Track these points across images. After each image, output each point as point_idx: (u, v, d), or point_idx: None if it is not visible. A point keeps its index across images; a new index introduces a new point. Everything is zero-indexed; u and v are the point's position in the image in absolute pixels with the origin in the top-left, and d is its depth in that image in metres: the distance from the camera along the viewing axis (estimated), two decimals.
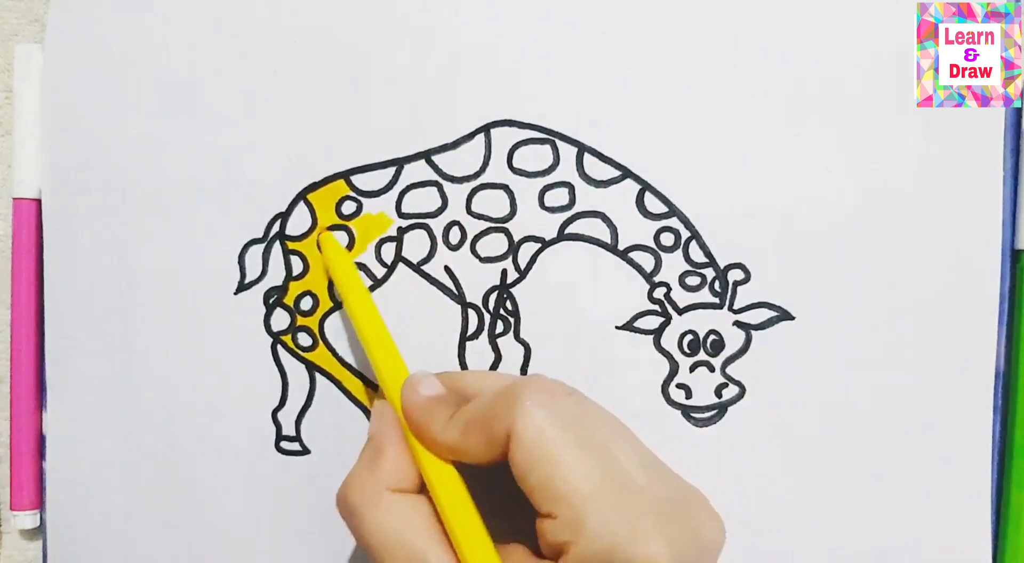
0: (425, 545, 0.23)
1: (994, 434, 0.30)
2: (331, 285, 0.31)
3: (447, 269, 0.31)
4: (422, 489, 0.25)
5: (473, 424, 0.24)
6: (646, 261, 0.30)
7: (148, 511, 0.32)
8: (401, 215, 0.31)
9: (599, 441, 0.23)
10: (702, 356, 0.30)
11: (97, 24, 0.32)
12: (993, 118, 0.30)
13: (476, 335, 0.31)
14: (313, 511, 0.31)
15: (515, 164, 0.31)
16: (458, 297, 0.31)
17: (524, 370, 0.31)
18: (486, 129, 0.31)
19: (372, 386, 0.31)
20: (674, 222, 0.30)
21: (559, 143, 0.31)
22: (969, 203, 0.30)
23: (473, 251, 0.31)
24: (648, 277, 0.31)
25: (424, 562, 0.23)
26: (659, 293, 0.30)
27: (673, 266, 0.30)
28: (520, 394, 0.23)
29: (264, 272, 0.31)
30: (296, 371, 0.31)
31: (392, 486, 0.24)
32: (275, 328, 0.31)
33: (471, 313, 0.31)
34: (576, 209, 0.31)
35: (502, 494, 0.24)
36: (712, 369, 0.30)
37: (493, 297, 0.31)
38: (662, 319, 0.30)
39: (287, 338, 0.31)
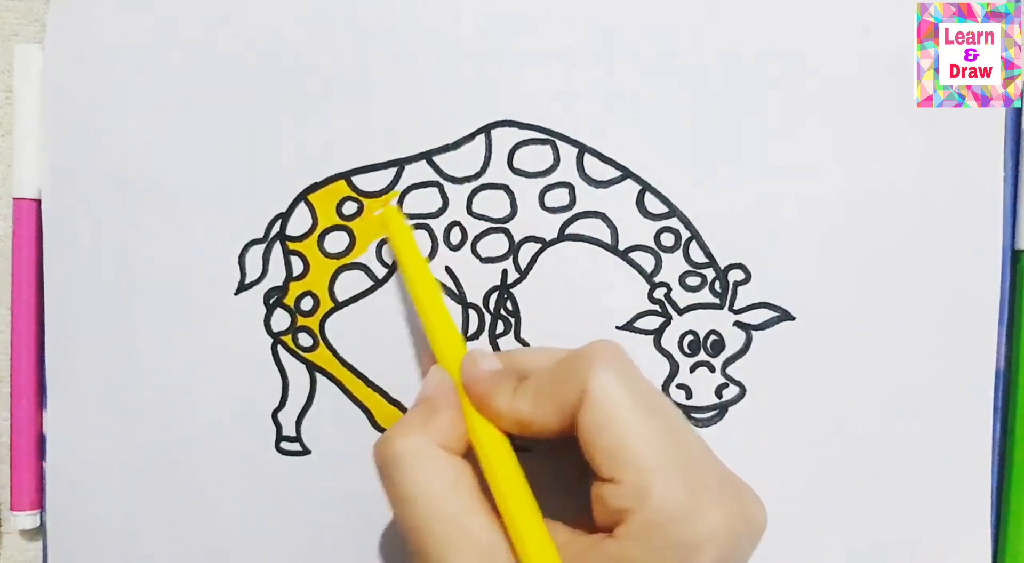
0: (467, 510, 0.23)
1: (994, 434, 0.30)
2: (331, 285, 0.31)
3: (448, 269, 0.31)
4: (467, 456, 0.25)
5: (543, 391, 0.24)
6: (646, 261, 0.31)
7: (148, 511, 0.32)
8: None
9: (666, 411, 0.23)
10: (702, 356, 0.30)
11: (97, 24, 0.32)
12: (993, 118, 0.30)
13: (477, 335, 0.31)
14: (313, 511, 0.31)
15: (515, 164, 0.31)
16: (459, 297, 0.31)
17: None
18: (487, 130, 0.31)
19: (372, 386, 0.31)
20: (674, 222, 0.31)
21: (559, 143, 0.31)
22: (969, 203, 0.30)
23: (474, 251, 0.31)
24: (648, 277, 0.31)
25: (463, 526, 0.22)
26: (659, 293, 0.30)
27: (673, 266, 0.30)
28: (593, 357, 0.23)
29: (264, 272, 0.31)
30: (296, 371, 0.31)
31: (443, 445, 0.24)
32: (275, 328, 0.31)
33: (472, 313, 0.31)
34: (576, 209, 0.31)
35: (548, 474, 0.24)
36: (712, 369, 0.30)
37: (494, 297, 0.31)
38: (662, 319, 0.30)
39: (287, 338, 0.31)
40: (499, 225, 0.31)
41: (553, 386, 0.23)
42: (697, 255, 0.30)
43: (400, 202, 0.31)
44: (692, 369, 0.30)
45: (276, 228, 0.31)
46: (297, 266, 0.31)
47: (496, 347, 0.31)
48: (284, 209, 0.31)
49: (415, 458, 0.23)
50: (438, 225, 0.31)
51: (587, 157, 0.31)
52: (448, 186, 0.31)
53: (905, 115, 0.30)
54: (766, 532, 0.30)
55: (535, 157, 0.31)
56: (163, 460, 0.32)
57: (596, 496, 0.23)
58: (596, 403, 0.22)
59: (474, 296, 0.31)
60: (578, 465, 0.23)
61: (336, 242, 0.31)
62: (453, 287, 0.31)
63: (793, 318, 0.30)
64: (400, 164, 0.31)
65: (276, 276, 0.31)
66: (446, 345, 0.27)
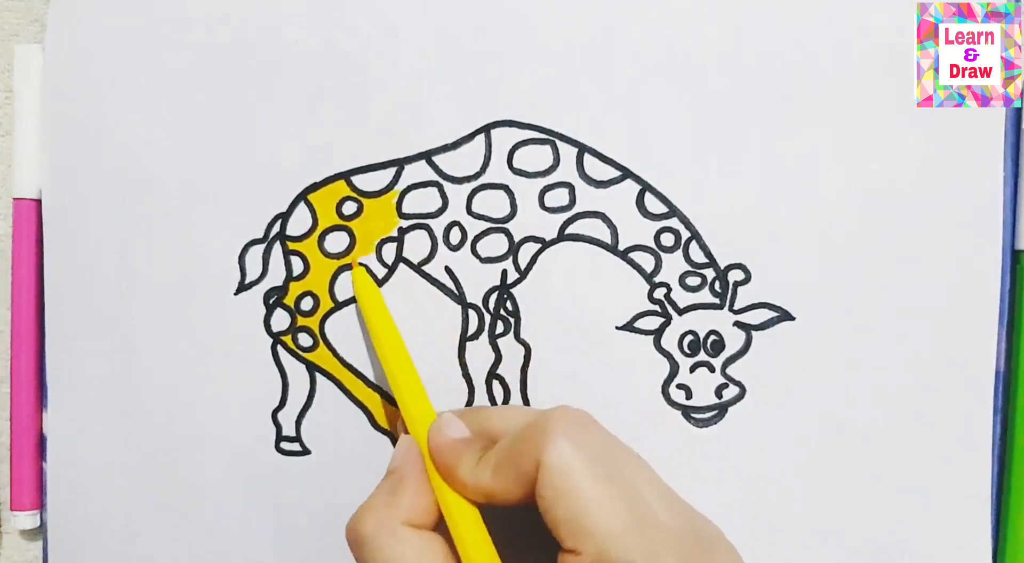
0: None
1: (994, 434, 0.30)
2: (331, 285, 0.31)
3: (448, 269, 0.31)
4: (437, 528, 0.25)
5: (503, 462, 0.23)
6: (646, 261, 0.31)
7: (148, 511, 0.32)
8: (402, 215, 0.31)
9: (625, 476, 0.23)
10: (702, 356, 0.30)
11: (97, 24, 0.32)
12: (993, 118, 0.30)
13: (476, 335, 0.31)
14: (313, 511, 0.31)
15: (515, 164, 0.31)
16: (458, 297, 0.31)
17: (524, 370, 0.31)
18: (486, 129, 0.31)
19: (372, 386, 0.31)
20: (674, 222, 0.30)
21: (559, 143, 0.31)
22: (969, 203, 0.30)
23: (474, 251, 0.31)
24: (648, 277, 0.31)
25: None
26: (659, 293, 0.30)
27: (673, 266, 0.30)
28: (547, 426, 0.23)
29: (264, 272, 0.31)
30: (296, 371, 0.31)
31: (409, 520, 0.24)
32: (275, 328, 0.31)
33: (471, 313, 0.31)
34: (576, 209, 0.31)
35: (517, 536, 0.24)
36: (712, 369, 0.30)
37: (493, 297, 0.31)
38: (662, 319, 0.30)
39: (287, 338, 0.31)
40: (499, 225, 0.31)
41: (512, 457, 0.23)
42: (697, 255, 0.30)
43: (400, 202, 0.31)
44: (692, 369, 0.30)
45: (276, 228, 0.31)
46: (297, 266, 0.31)
47: (496, 347, 0.31)
48: (284, 209, 0.31)
49: (381, 539, 0.23)
50: (438, 225, 0.31)
51: (587, 157, 0.31)
52: (448, 186, 0.31)
53: (905, 115, 0.30)
54: (766, 532, 0.30)
55: (535, 157, 0.31)
56: (163, 460, 0.32)
57: None
58: (551, 475, 0.22)
59: (474, 296, 0.31)
60: (548, 533, 0.23)
61: (336, 242, 0.31)
62: (453, 287, 0.31)
63: (793, 318, 0.30)
64: (400, 164, 0.31)
65: (276, 276, 0.31)
66: (416, 411, 0.26)
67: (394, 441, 0.31)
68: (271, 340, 0.31)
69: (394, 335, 0.29)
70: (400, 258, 0.31)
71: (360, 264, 0.31)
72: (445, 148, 0.31)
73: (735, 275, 0.30)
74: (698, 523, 0.23)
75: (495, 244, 0.31)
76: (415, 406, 0.27)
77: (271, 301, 0.31)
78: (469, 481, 0.24)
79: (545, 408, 0.25)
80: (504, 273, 0.31)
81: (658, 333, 0.30)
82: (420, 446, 0.26)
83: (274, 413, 0.31)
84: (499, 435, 0.25)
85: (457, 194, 0.31)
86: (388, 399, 0.31)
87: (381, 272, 0.31)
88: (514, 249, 0.31)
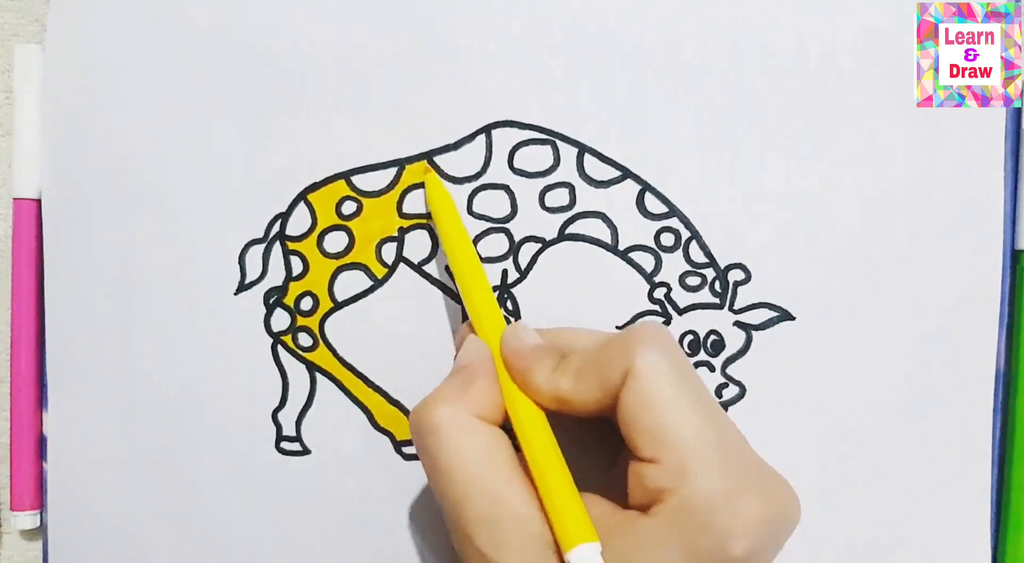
0: (503, 481, 0.23)
1: (994, 434, 0.30)
2: (331, 285, 0.31)
3: (448, 269, 0.31)
4: (503, 427, 0.25)
5: (586, 368, 0.24)
6: (646, 261, 0.31)
7: (148, 511, 0.32)
8: (402, 215, 0.31)
9: (708, 396, 0.23)
10: (702, 356, 0.30)
11: (97, 24, 0.32)
12: (993, 118, 0.30)
13: None
14: (313, 511, 0.31)
15: (516, 164, 0.31)
16: (458, 297, 0.31)
17: None
18: (487, 130, 0.31)
19: (372, 386, 0.31)
20: (674, 222, 0.31)
21: (560, 143, 0.31)
22: (969, 203, 0.30)
23: None
24: (648, 277, 0.31)
25: (499, 497, 0.22)
26: (659, 293, 0.31)
27: (673, 266, 0.30)
28: (640, 337, 0.23)
29: (264, 272, 0.31)
30: (296, 371, 0.31)
31: (480, 414, 0.24)
32: (275, 328, 0.31)
33: None
34: (576, 209, 0.31)
35: (577, 444, 0.24)
36: (712, 369, 0.30)
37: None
38: (662, 319, 0.30)
39: (287, 338, 0.31)
40: (499, 225, 0.31)
41: (596, 364, 0.23)
42: (697, 255, 0.30)
43: (400, 202, 0.31)
44: None
45: (276, 228, 0.31)
46: (297, 266, 0.31)
47: None
48: (284, 209, 0.31)
49: (452, 428, 0.23)
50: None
51: (587, 157, 0.31)
52: (448, 186, 0.31)
53: (905, 115, 0.30)
54: None
55: (535, 157, 0.31)
56: (163, 460, 0.32)
57: (633, 474, 0.22)
58: (640, 382, 0.22)
59: None
60: (608, 444, 0.23)
61: (335, 242, 0.31)
62: (453, 287, 0.31)
63: (793, 318, 0.30)
64: (400, 164, 0.31)
65: (276, 276, 0.31)
66: (486, 316, 0.27)
67: (394, 441, 0.31)
68: (271, 340, 0.31)
69: (465, 241, 0.29)
70: (400, 258, 0.31)
71: (431, 171, 0.31)
72: (445, 148, 0.31)
73: (735, 275, 0.30)
74: (762, 460, 0.24)
75: (495, 244, 0.31)
76: (486, 311, 0.27)
77: (271, 301, 0.31)
78: (545, 386, 0.24)
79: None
80: (504, 273, 0.31)
81: None
82: (491, 349, 0.26)
83: (274, 413, 0.31)
84: (569, 349, 0.25)
85: (458, 194, 0.31)
86: (388, 399, 0.31)
87: (381, 272, 0.31)
88: (514, 249, 0.31)
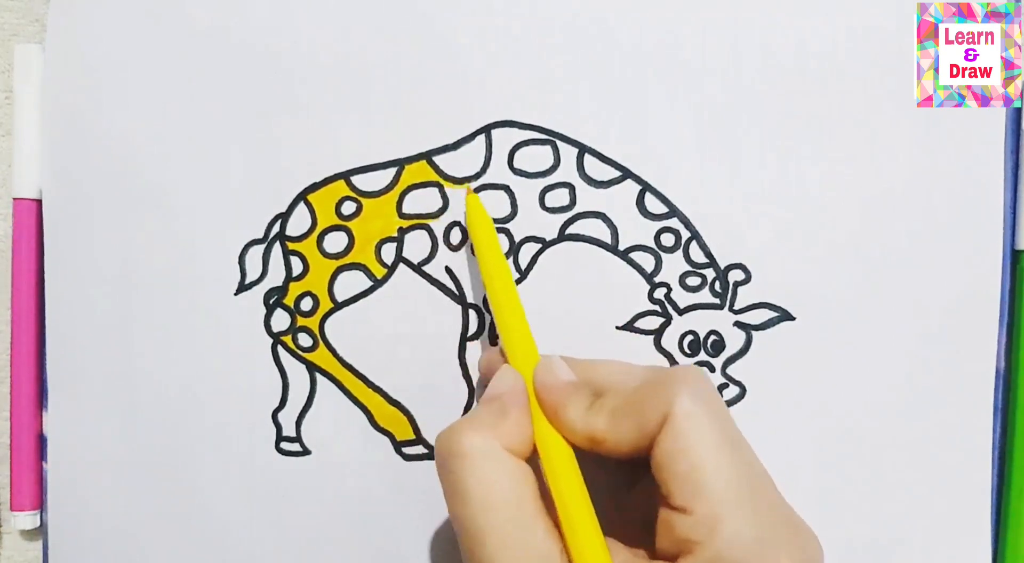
0: (527, 517, 0.22)
1: (994, 434, 0.30)
2: (331, 285, 0.31)
3: (448, 270, 0.31)
4: (530, 462, 0.24)
5: (623, 410, 0.23)
6: (647, 261, 0.31)
7: (148, 511, 0.32)
8: (402, 216, 0.31)
9: (744, 445, 0.23)
10: (702, 357, 0.30)
11: (97, 24, 0.32)
12: (993, 118, 0.30)
13: (476, 335, 0.31)
14: (313, 512, 0.31)
15: (516, 165, 0.31)
16: (458, 297, 0.31)
17: None
18: (487, 130, 0.31)
19: (372, 386, 0.31)
20: (674, 222, 0.31)
21: (560, 144, 0.31)
22: (969, 203, 0.30)
23: (474, 252, 0.31)
24: (648, 277, 0.31)
25: (521, 533, 0.22)
26: (659, 293, 0.30)
27: (673, 266, 0.30)
28: (679, 380, 0.23)
29: (264, 273, 0.31)
30: (296, 372, 0.31)
31: (509, 447, 0.24)
32: (275, 329, 0.31)
33: (471, 313, 0.31)
34: (577, 209, 0.31)
35: (605, 486, 0.24)
36: (712, 370, 0.30)
37: None
38: (662, 319, 0.30)
39: (287, 339, 0.31)
40: (499, 225, 0.31)
41: (633, 406, 0.23)
42: (697, 255, 0.30)
43: (400, 202, 0.31)
44: None
45: (276, 228, 0.31)
46: (297, 266, 0.31)
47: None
48: (284, 209, 0.31)
49: (482, 457, 0.23)
50: (438, 225, 0.31)
51: (587, 157, 0.31)
52: (448, 186, 0.31)
53: (905, 115, 0.30)
54: None
55: (535, 157, 0.31)
56: (163, 460, 0.32)
57: (664, 523, 0.22)
58: (678, 428, 0.22)
59: (474, 296, 0.31)
60: (638, 488, 0.23)
61: (335, 242, 0.31)
62: (453, 287, 0.31)
63: (793, 318, 0.30)
64: (400, 164, 0.31)
65: (276, 276, 0.31)
66: (520, 348, 0.26)
67: (394, 441, 0.31)
68: (271, 340, 0.31)
69: (503, 269, 0.28)
70: (400, 258, 0.31)
71: (472, 192, 0.30)
72: (445, 148, 0.31)
73: (735, 275, 0.30)
74: (792, 511, 0.23)
75: None
76: (521, 343, 0.27)
77: (271, 301, 0.31)
78: (579, 425, 0.24)
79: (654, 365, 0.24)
80: None
81: (658, 333, 0.30)
82: (524, 381, 0.25)
83: (274, 413, 0.31)
84: (602, 386, 0.25)
85: (457, 194, 0.31)
86: (388, 399, 0.31)
87: (381, 272, 0.31)
88: (514, 249, 0.31)
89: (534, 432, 0.24)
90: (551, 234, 0.31)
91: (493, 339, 0.31)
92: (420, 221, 0.31)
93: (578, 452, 0.24)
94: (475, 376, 0.31)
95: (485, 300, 0.31)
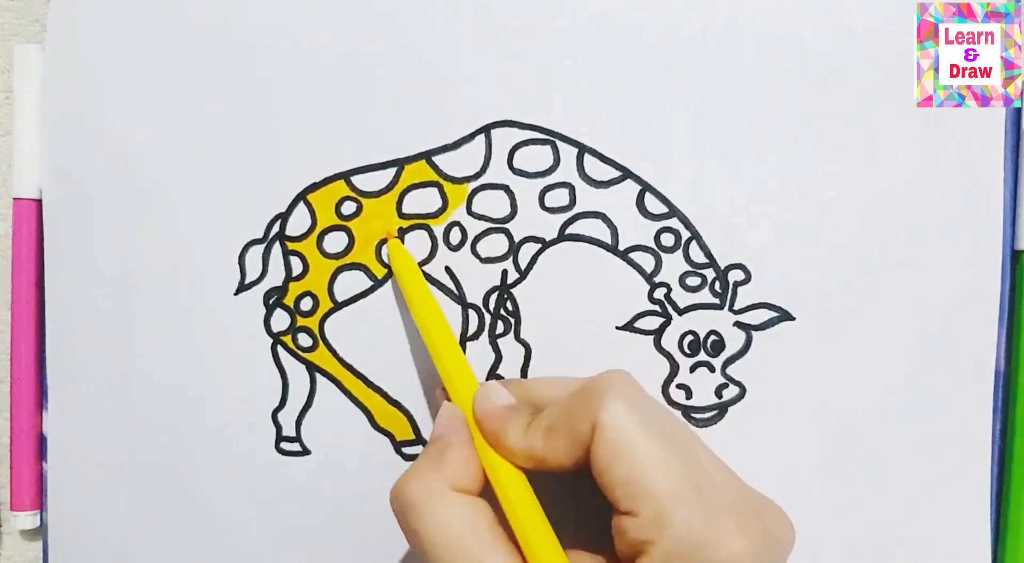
0: (487, 548, 0.22)
1: (994, 434, 0.30)
2: (331, 285, 0.31)
3: (447, 270, 0.31)
4: (483, 493, 0.24)
5: (555, 426, 0.23)
6: (646, 261, 0.31)
7: (148, 511, 0.32)
8: (402, 216, 0.31)
9: (680, 436, 0.23)
10: (702, 357, 0.30)
11: (97, 24, 0.32)
12: (993, 118, 0.30)
13: (476, 335, 0.31)
14: (313, 512, 0.31)
15: (516, 165, 0.31)
16: (458, 297, 0.31)
17: (524, 371, 0.31)
18: (486, 130, 0.31)
19: (372, 386, 0.31)
20: (674, 223, 0.30)
21: (559, 144, 0.31)
22: (969, 203, 0.30)
23: (474, 252, 0.31)
24: (648, 277, 0.31)
25: (489, 560, 0.22)
26: (659, 293, 0.30)
27: (673, 267, 0.30)
28: (601, 388, 0.23)
29: (264, 273, 0.31)
30: (296, 372, 0.31)
31: (456, 486, 0.24)
32: (275, 329, 0.31)
33: (471, 313, 0.31)
34: (576, 209, 0.31)
35: (562, 502, 0.24)
36: (712, 370, 0.30)
37: (493, 297, 0.31)
38: (662, 319, 0.30)
39: (287, 339, 0.31)
40: (499, 225, 0.31)
41: (564, 421, 0.23)
42: (697, 255, 0.30)
43: (399, 202, 0.31)
44: (692, 369, 0.30)
45: (276, 228, 0.31)
46: (296, 266, 0.31)
47: (496, 347, 0.31)
48: (283, 209, 0.31)
49: (429, 503, 0.23)
50: (438, 225, 0.31)
51: (587, 157, 0.31)
52: (448, 186, 0.31)
53: (905, 115, 0.30)
54: None
55: (535, 157, 0.31)
56: (163, 460, 0.32)
57: (616, 528, 0.22)
58: (608, 436, 0.22)
59: (474, 296, 0.31)
60: (596, 495, 0.23)
61: (335, 242, 0.31)
62: (453, 287, 0.31)
63: (793, 318, 0.30)
64: (399, 164, 0.31)
65: (276, 276, 0.31)
66: (458, 380, 0.27)
67: (394, 441, 0.31)
68: (271, 340, 0.31)
69: (432, 305, 0.29)
70: None
71: (395, 236, 0.31)
72: (445, 148, 0.31)
73: (735, 275, 0.30)
74: (747, 488, 0.23)
75: (495, 244, 0.31)
76: (458, 375, 0.27)
77: (271, 301, 0.31)
78: (519, 447, 0.24)
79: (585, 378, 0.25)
80: (504, 273, 0.31)
81: (658, 333, 0.30)
82: (464, 414, 0.26)
83: (274, 413, 0.31)
84: (542, 404, 0.25)
85: (457, 194, 0.31)
86: (388, 399, 0.31)
87: (380, 272, 0.31)
88: (514, 249, 0.31)
89: (481, 462, 0.25)
90: (551, 234, 0.31)
91: (493, 339, 0.31)
92: (420, 221, 0.31)
93: (529, 472, 0.24)
94: (475, 376, 0.31)
95: (485, 300, 0.31)
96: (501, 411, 0.25)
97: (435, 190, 0.31)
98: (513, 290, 0.31)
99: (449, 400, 0.27)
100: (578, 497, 0.25)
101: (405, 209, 0.31)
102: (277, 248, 0.31)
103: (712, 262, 0.30)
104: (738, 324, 0.30)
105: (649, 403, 0.24)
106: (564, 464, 0.23)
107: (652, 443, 0.22)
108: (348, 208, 0.31)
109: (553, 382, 0.27)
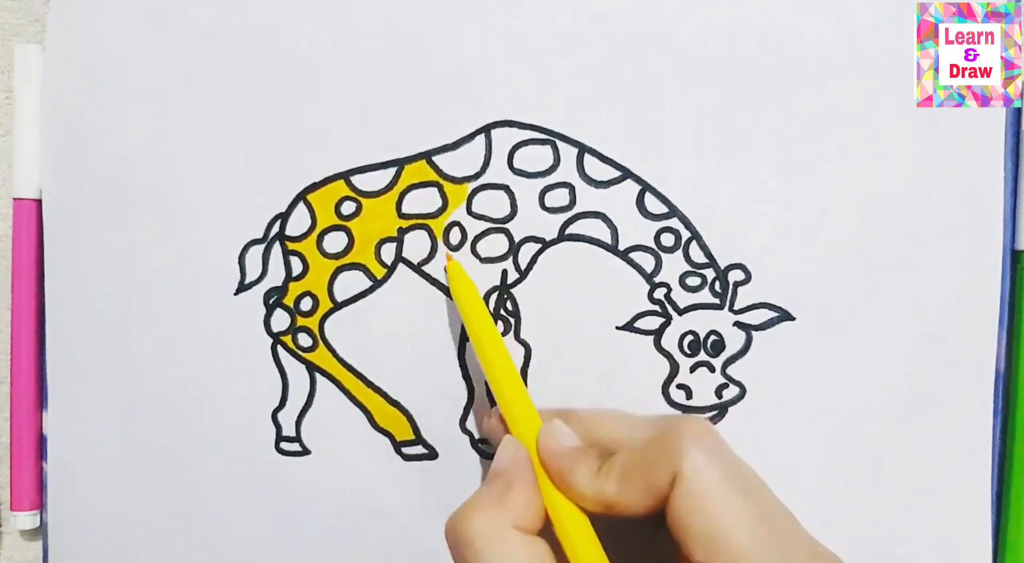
0: None
1: (994, 434, 0.30)
2: (330, 285, 0.31)
3: (447, 270, 0.31)
4: (542, 534, 0.24)
5: (630, 473, 0.23)
6: (646, 261, 0.30)
7: (148, 511, 0.32)
8: (401, 216, 0.31)
9: (759, 491, 0.23)
10: (702, 357, 0.30)
11: (97, 24, 0.32)
12: (993, 118, 0.30)
13: None
14: (313, 512, 0.31)
15: (516, 164, 0.31)
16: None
17: (524, 371, 0.31)
18: (486, 129, 0.31)
19: (372, 386, 0.31)
20: (674, 222, 0.30)
21: (559, 143, 0.31)
22: (969, 203, 0.30)
23: (474, 251, 0.31)
24: (648, 277, 0.31)
25: None
26: (659, 293, 0.30)
27: (673, 266, 0.30)
28: (684, 437, 0.22)
29: (264, 273, 0.31)
30: (296, 372, 0.31)
31: (518, 524, 0.23)
32: (275, 329, 0.31)
33: None
34: (576, 209, 0.31)
35: (625, 547, 0.24)
36: (712, 370, 0.30)
37: (493, 297, 0.31)
38: (662, 320, 0.30)
39: (287, 338, 0.31)
40: (499, 225, 0.31)
41: (642, 466, 0.23)
42: (697, 255, 0.30)
43: (399, 202, 0.31)
44: (692, 369, 0.30)
45: (276, 228, 0.31)
46: (296, 266, 0.31)
47: None
48: (283, 209, 0.31)
49: (490, 540, 0.22)
50: (437, 225, 0.31)
51: (587, 157, 0.31)
52: (448, 186, 0.31)
53: (905, 115, 0.30)
54: None
55: (535, 157, 0.31)
56: (163, 460, 0.32)
57: None
58: (689, 487, 0.22)
59: None
60: (657, 543, 0.23)
61: (335, 242, 0.31)
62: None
63: (793, 318, 0.30)
64: (399, 164, 0.31)
65: (276, 276, 0.31)
66: (521, 415, 0.26)
67: (394, 441, 0.31)
68: (271, 340, 0.31)
69: (494, 336, 0.28)
70: (399, 258, 0.31)
71: (455, 259, 0.30)
72: (444, 148, 0.31)
73: (735, 275, 0.30)
74: (816, 544, 0.23)
75: (495, 244, 0.31)
76: (521, 409, 0.26)
77: (271, 301, 0.31)
78: (588, 490, 0.23)
79: (656, 414, 0.24)
80: (504, 273, 0.31)
81: (658, 333, 0.30)
82: (528, 450, 0.25)
83: (274, 413, 0.31)
84: (606, 442, 0.25)
85: (457, 194, 0.31)
86: (388, 399, 0.31)
87: (381, 272, 0.31)
88: (514, 249, 0.31)
89: (544, 501, 0.24)
90: (551, 234, 0.31)
91: None
92: (420, 221, 0.31)
93: (592, 514, 0.24)
94: (475, 376, 0.31)
95: (485, 300, 0.31)
96: (569, 452, 0.24)
97: (435, 190, 0.31)
98: (513, 290, 0.31)
99: (507, 431, 0.26)
100: (636, 544, 0.24)
101: (405, 209, 0.31)
102: (277, 248, 0.31)
103: (712, 262, 0.30)
104: (738, 324, 0.30)
105: (729, 453, 0.23)
106: (636, 511, 0.23)
107: (734, 498, 0.22)
108: (348, 208, 0.31)
109: (615, 418, 0.26)
